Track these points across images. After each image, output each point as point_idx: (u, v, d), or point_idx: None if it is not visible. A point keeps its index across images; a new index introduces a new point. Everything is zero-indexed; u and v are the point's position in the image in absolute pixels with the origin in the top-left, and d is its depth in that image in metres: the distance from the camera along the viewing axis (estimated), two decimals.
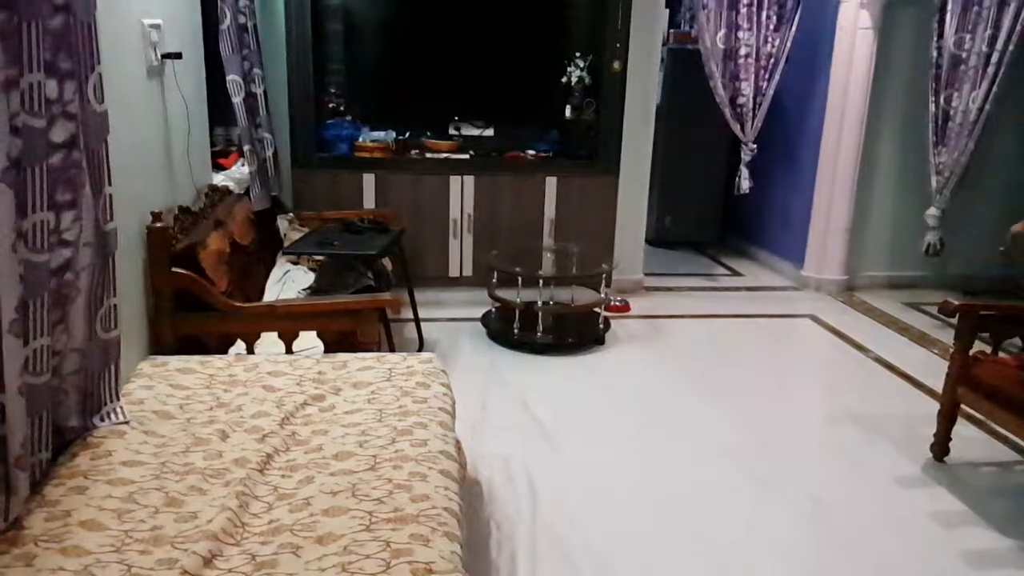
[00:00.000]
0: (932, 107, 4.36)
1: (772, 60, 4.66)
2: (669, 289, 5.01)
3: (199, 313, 2.46)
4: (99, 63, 1.62)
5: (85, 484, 1.56)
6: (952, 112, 4.30)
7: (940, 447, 2.86)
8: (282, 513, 1.53)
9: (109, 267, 1.77)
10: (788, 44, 4.64)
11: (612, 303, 4.40)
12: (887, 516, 2.54)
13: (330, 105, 4.56)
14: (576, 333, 3.98)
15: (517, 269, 3.79)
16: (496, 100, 4.74)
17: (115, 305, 1.82)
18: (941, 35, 4.28)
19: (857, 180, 4.82)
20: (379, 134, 4.52)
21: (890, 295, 4.94)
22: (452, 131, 4.71)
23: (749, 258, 5.84)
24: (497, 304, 4.01)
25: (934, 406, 2.94)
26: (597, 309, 4.04)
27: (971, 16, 4.13)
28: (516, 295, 3.83)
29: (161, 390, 2.03)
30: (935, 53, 4.31)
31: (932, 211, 4.46)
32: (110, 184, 1.72)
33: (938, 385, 2.94)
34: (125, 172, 2.21)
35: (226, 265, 2.75)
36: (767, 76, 4.69)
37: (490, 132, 4.72)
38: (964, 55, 4.21)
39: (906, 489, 2.71)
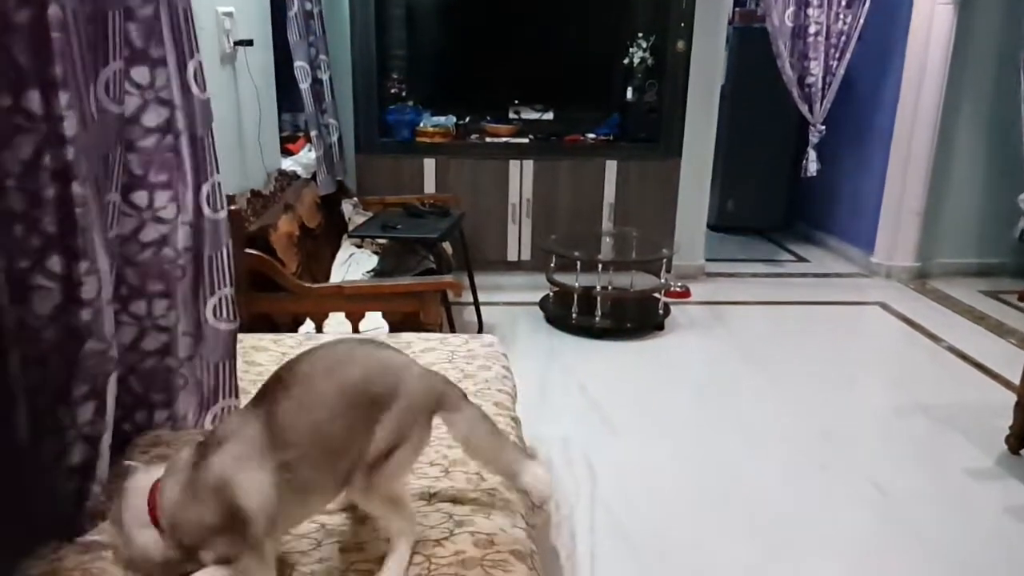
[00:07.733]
0: None
1: (843, 38, 4.50)
2: (731, 275, 4.92)
3: (271, 293, 2.55)
4: (198, 51, 1.64)
5: (167, 453, 1.65)
6: None
7: (1016, 439, 2.75)
8: None
9: (223, 257, 1.71)
10: (861, 21, 4.46)
11: (672, 288, 4.36)
12: (958, 509, 2.46)
13: (392, 90, 4.61)
14: (635, 318, 3.96)
15: (576, 253, 3.79)
16: (556, 83, 4.71)
17: (229, 296, 1.74)
18: None
19: (933, 163, 4.63)
20: (440, 119, 4.56)
21: (965, 283, 4.74)
22: (512, 115, 4.71)
23: (815, 244, 5.68)
24: (555, 288, 4.02)
25: (1010, 397, 2.82)
26: (657, 295, 4.01)
27: None
28: (575, 280, 3.83)
29: (236, 366, 2.11)
30: None
31: None
32: (218, 172, 1.68)
33: (1015, 376, 2.82)
34: None
35: (295, 247, 2.84)
36: (838, 55, 4.53)
37: (550, 116, 4.71)
38: None
39: (979, 482, 2.62)
